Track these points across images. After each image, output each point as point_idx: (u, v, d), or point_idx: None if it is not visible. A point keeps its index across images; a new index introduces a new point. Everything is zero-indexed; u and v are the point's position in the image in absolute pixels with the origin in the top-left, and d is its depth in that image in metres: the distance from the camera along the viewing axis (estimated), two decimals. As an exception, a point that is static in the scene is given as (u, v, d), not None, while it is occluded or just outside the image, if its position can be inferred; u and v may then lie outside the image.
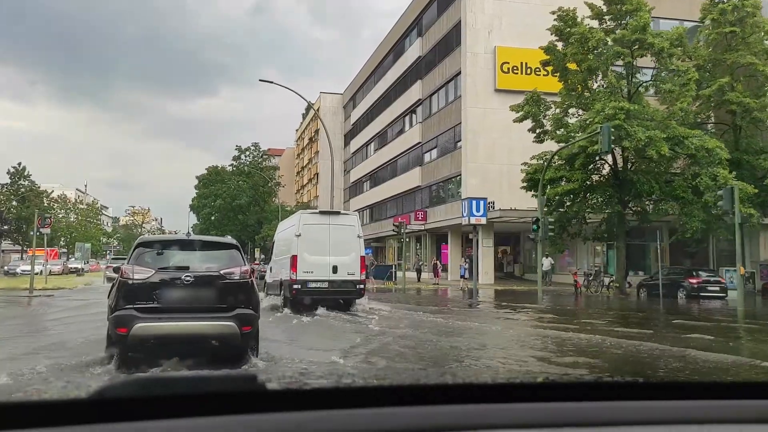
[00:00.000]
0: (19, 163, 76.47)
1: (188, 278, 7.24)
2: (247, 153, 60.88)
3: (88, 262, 52.91)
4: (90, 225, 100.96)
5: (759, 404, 1.11)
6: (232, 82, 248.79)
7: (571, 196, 24.22)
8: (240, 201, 57.35)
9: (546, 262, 32.37)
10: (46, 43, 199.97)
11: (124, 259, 8.45)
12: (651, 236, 33.47)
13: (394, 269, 33.49)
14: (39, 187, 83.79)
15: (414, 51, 45.83)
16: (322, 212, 18.09)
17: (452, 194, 39.01)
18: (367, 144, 61.20)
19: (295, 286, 15.51)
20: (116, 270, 7.80)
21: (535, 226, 21.65)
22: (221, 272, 7.42)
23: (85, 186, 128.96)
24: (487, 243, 34.73)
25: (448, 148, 39.04)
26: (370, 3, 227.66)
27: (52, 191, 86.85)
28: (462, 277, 28.85)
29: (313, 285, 15.54)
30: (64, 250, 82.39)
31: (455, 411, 0.98)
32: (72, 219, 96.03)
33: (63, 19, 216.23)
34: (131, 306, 7.07)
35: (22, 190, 76.92)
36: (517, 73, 35.20)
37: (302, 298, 15.52)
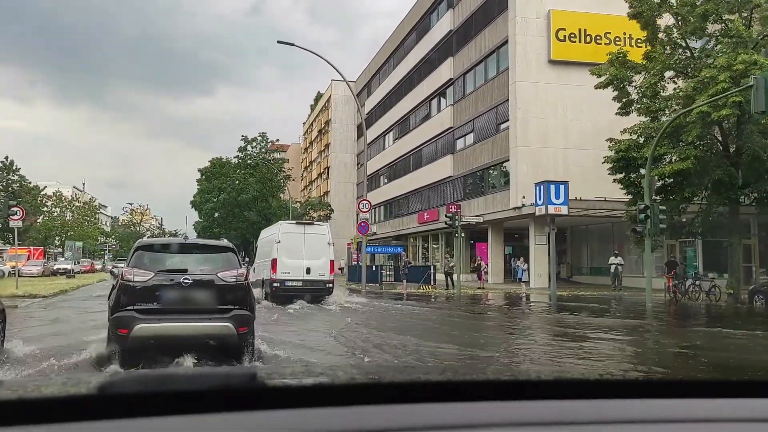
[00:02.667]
0: (6, 157, 71.33)
1: (186, 281, 7.38)
2: (254, 144, 55.67)
3: (78, 263, 47.15)
4: (87, 223, 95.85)
5: (759, 403, 1.08)
6: (231, 82, 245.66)
7: (680, 178, 19.14)
8: (246, 195, 52.16)
9: (615, 262, 27.38)
10: (45, 44, 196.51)
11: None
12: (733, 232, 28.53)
13: (432, 271, 28.44)
14: (30, 183, 78.95)
15: (443, 25, 40.80)
16: (298, 222, 21.09)
17: (494, 184, 34.02)
18: (384, 134, 56.15)
19: (275, 284, 18.18)
20: (112, 273, 8.98)
21: (642, 216, 16.63)
22: (218, 275, 7.57)
23: (83, 184, 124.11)
24: (540, 240, 29.72)
25: (489, 131, 34.02)
26: (367, 3, 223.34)
27: (45, 187, 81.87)
28: (520, 280, 23.84)
29: (289, 283, 18.15)
30: (60, 250, 77.47)
31: (457, 408, 0.96)
32: (68, 217, 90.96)
33: (62, 19, 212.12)
34: (132, 307, 7.21)
35: (13, 185, 72.05)
36: (575, 41, 30.21)
37: (281, 294, 17.94)
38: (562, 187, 19.06)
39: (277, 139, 57.10)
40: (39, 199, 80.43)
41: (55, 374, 6.25)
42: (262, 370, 1.17)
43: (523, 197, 29.16)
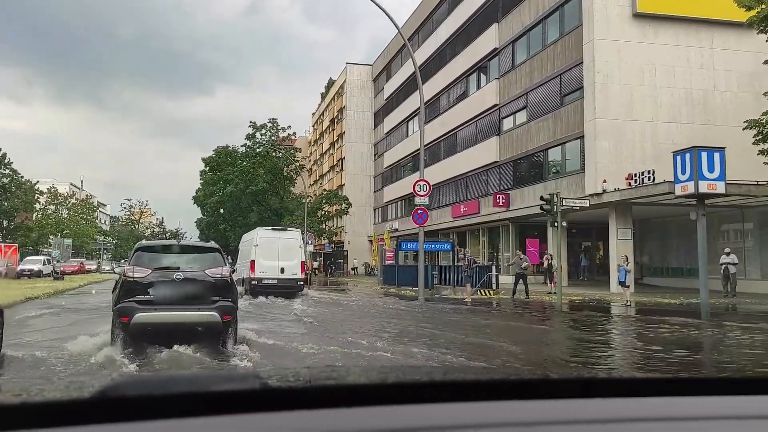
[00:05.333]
0: (-1, 149, 66.18)
1: (179, 277, 8.51)
2: (264, 131, 50.04)
3: (48, 262, 38.54)
4: (84, 221, 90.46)
5: (758, 400, 1.06)
6: (230, 81, 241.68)
7: None
8: (256, 187, 46.64)
9: (728, 261, 21.90)
10: (43, 44, 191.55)
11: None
12: None
13: (494, 272, 22.98)
14: (22, 177, 73.63)
15: (485, -12, 35.34)
16: (273, 228, 23.91)
17: (556, 168, 28.59)
18: (407, 119, 50.73)
19: (253, 282, 21.09)
20: (114, 271, 13.89)
21: None
22: (206, 271, 8.73)
23: (81, 182, 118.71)
24: (624, 233, 24.32)
25: (549, 105, 28.58)
26: (363, 4, 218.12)
27: (37, 182, 76.59)
28: (622, 284, 18.47)
29: (266, 281, 21.01)
30: (50, 249, 72.13)
31: (460, 409, 0.95)
32: (64, 215, 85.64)
33: (59, 19, 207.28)
34: (132, 299, 8.31)
35: (3, 180, 66.79)
36: (665, -9, 24.76)
37: (258, 291, 20.79)
38: (717, 155, 13.62)
39: (289, 126, 51.29)
40: (32, 195, 75.43)
41: (58, 378, 6.04)
42: (264, 372, 1.06)
43: (604, 181, 23.78)
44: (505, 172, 33.12)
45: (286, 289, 20.63)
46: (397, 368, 1.83)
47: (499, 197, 32.18)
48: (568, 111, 26.88)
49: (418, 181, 18.60)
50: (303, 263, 21.79)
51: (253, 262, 20.99)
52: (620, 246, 24.07)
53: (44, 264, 36.89)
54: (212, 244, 9.98)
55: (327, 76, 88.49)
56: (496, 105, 33.99)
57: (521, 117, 31.43)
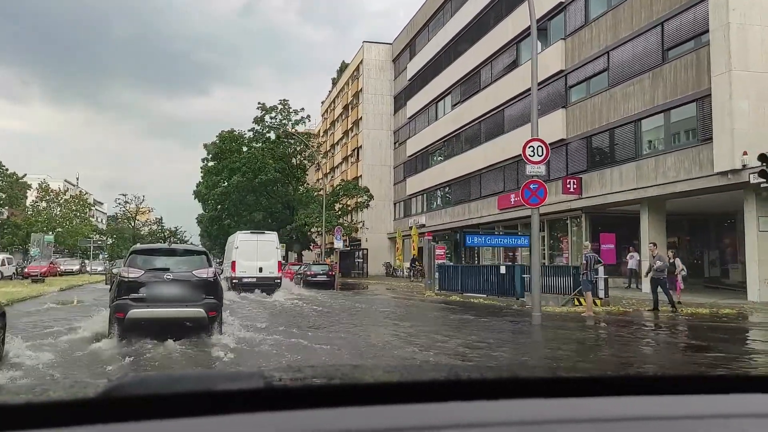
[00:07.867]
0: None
1: (169, 277, 9.64)
2: (274, 114, 44.10)
3: (11, 262, 31.64)
4: (78, 219, 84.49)
5: (756, 398, 1.04)
6: (228, 82, 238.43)
7: None
8: (266, 176, 40.67)
9: None
10: (40, 44, 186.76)
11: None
12: None
13: (602, 275, 16.93)
14: (7, 170, 67.84)
15: (545, -68, 29.38)
16: (252, 232, 26.61)
17: (652, 144, 22.66)
18: (436, 100, 44.77)
19: (234, 281, 23.57)
20: (111, 272, 12.91)
21: None
22: (193, 272, 9.82)
23: (77, 179, 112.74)
24: (766, 224, 18.37)
25: (645, 62, 22.62)
26: (361, 3, 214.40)
27: (25, 175, 70.78)
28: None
29: (246, 280, 23.43)
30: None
31: (467, 407, 0.94)
32: (58, 212, 79.73)
33: (56, 20, 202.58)
34: (127, 297, 9.35)
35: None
36: None
37: (239, 288, 22.98)
38: None
39: (302, 108, 45.32)
40: (19, 189, 69.71)
41: (62, 378, 6.21)
42: (268, 371, 1.06)
43: (745, 153, 17.81)
44: (575, 151, 27.18)
45: (265, 286, 22.99)
46: (403, 367, 1.70)
47: (569, 182, 26.29)
48: (677, 67, 20.94)
49: (530, 142, 12.65)
50: (279, 263, 24.52)
51: (234, 263, 23.73)
52: (762, 241, 18.16)
53: (2, 264, 30.35)
54: (200, 247, 12.28)
55: (325, 76, 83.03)
56: (561, 71, 28.07)
57: (600, 82, 25.49)
